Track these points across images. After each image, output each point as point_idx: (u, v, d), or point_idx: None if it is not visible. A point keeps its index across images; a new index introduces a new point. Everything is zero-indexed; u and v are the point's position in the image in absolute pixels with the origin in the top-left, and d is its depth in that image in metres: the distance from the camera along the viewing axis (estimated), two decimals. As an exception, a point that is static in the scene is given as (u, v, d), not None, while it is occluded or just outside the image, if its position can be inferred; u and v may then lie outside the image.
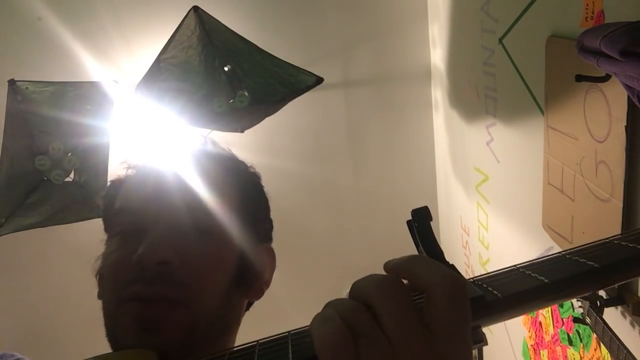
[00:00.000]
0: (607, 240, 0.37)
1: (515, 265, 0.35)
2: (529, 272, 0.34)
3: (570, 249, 0.36)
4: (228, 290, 0.53)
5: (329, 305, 0.31)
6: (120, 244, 0.52)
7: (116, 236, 0.53)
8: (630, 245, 0.35)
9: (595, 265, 0.33)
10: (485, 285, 0.33)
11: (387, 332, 0.28)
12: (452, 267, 0.33)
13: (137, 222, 0.52)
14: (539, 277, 0.33)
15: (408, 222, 0.37)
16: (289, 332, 0.34)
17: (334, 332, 0.28)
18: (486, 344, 0.31)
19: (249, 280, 0.56)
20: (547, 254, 0.36)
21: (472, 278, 0.35)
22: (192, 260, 0.50)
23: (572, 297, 0.37)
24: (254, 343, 0.34)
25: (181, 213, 0.52)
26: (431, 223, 0.37)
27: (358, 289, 0.31)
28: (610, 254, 0.35)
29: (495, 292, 0.32)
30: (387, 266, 0.33)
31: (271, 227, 0.65)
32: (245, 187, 0.61)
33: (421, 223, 0.37)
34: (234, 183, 0.59)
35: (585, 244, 0.37)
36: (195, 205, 0.53)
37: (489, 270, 0.36)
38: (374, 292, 0.29)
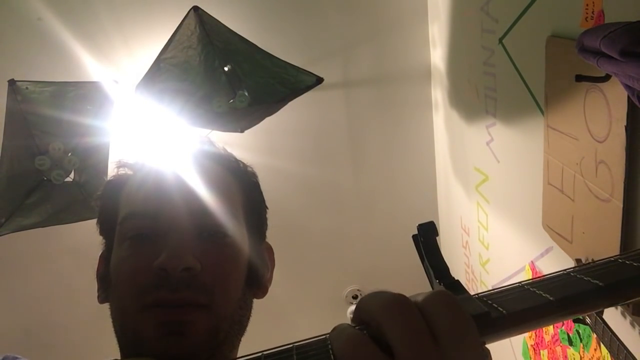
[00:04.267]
0: (612, 259, 0.37)
1: (520, 282, 0.35)
2: (534, 289, 0.34)
3: (576, 267, 0.37)
4: (243, 291, 0.54)
5: (338, 337, 0.30)
6: (135, 248, 0.52)
7: (128, 240, 0.52)
8: (635, 264, 0.35)
9: (600, 283, 0.33)
10: (490, 302, 0.33)
11: (397, 355, 0.28)
12: (457, 282, 0.34)
13: (152, 226, 0.52)
14: (544, 295, 0.33)
15: (414, 237, 0.37)
16: (293, 344, 0.33)
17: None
18: None
19: (257, 279, 0.57)
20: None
21: (476, 294, 0.35)
22: (213, 265, 0.51)
23: (577, 315, 0.38)
24: (258, 355, 0.34)
25: (196, 217, 0.52)
26: (437, 238, 0.37)
27: (364, 310, 0.31)
28: (615, 273, 0.35)
29: (500, 309, 0.32)
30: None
31: (267, 226, 0.66)
32: (247, 187, 0.61)
33: (427, 238, 0.37)
34: (237, 183, 0.60)
35: (590, 263, 0.37)
36: (207, 209, 0.53)
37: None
38: (381, 313, 0.29)
